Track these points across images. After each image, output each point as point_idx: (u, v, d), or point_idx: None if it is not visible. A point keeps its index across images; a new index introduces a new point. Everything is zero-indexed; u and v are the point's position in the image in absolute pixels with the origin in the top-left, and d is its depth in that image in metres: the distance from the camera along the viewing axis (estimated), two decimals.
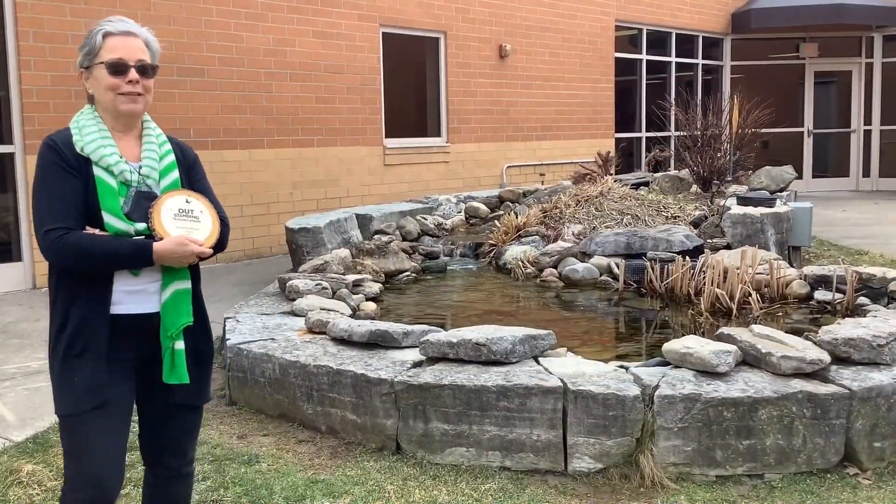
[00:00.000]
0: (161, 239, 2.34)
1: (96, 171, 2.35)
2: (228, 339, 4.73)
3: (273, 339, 4.66)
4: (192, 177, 2.55)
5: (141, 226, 2.35)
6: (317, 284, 5.70)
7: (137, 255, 2.32)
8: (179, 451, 2.60)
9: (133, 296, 2.39)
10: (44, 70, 7.80)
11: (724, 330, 4.14)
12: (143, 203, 2.38)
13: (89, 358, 2.33)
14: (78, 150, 2.36)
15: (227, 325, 5.05)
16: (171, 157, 2.50)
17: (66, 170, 2.33)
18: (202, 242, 2.40)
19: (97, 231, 2.32)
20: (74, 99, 7.86)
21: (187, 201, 2.42)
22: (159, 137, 2.53)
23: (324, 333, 4.66)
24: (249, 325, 4.97)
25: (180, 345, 2.43)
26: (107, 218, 2.33)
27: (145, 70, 2.44)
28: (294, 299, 5.51)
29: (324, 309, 5.14)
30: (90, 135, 2.39)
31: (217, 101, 9.18)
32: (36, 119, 7.75)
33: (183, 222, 2.39)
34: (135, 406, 2.54)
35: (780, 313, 5.64)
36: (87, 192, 2.34)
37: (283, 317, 5.21)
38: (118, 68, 2.39)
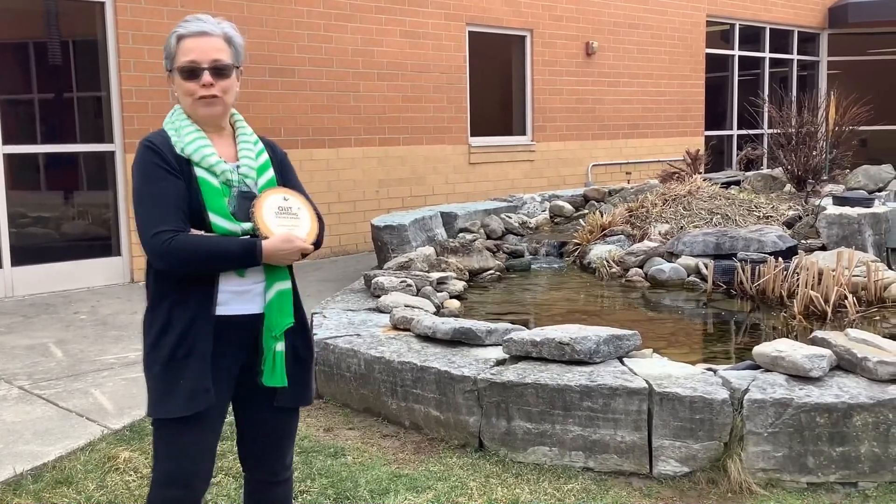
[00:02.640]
0: (266, 237, 2.30)
1: (198, 171, 2.31)
2: (315, 334, 4.82)
3: (358, 334, 4.73)
4: (284, 175, 2.50)
5: (247, 225, 2.32)
6: (401, 282, 5.76)
7: (246, 255, 2.28)
8: (278, 456, 2.54)
9: (239, 296, 2.36)
10: (142, 71, 8.09)
11: (818, 333, 4.02)
12: (244, 203, 2.34)
13: (195, 361, 2.29)
14: (178, 150, 2.31)
15: (315, 320, 5.15)
16: (265, 156, 2.47)
17: (168, 171, 2.28)
18: (304, 239, 2.36)
19: (202, 232, 2.29)
20: (172, 99, 8.10)
21: (285, 199, 2.38)
22: (252, 136, 2.49)
23: (408, 330, 4.71)
24: (336, 321, 5.06)
25: (281, 346, 2.38)
26: (213, 219, 2.29)
27: (221, 70, 2.34)
28: (379, 296, 5.57)
29: (408, 306, 5.19)
30: (189, 135, 2.34)
31: (307, 101, 9.37)
32: (135, 119, 8.04)
33: (284, 220, 2.35)
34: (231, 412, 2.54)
35: (878, 317, 5.44)
36: (190, 193, 2.29)
37: (369, 313, 5.28)
38: (191, 72, 2.32)
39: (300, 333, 2.48)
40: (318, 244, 2.43)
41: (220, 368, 2.35)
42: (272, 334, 2.36)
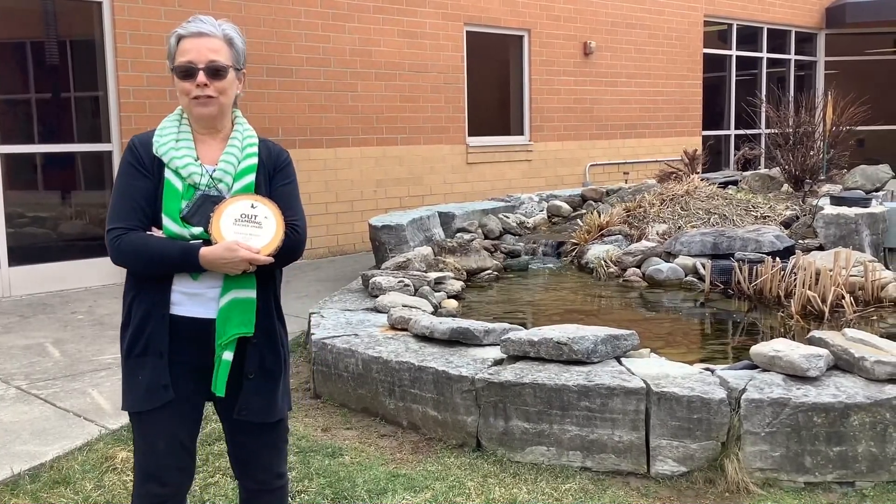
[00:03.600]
0: (216, 243, 2.25)
1: (167, 173, 2.33)
2: (313, 334, 4.82)
3: (356, 334, 4.73)
4: (275, 181, 2.44)
5: (197, 230, 2.29)
6: (399, 281, 5.76)
7: (185, 260, 2.27)
8: (263, 467, 2.52)
9: (192, 298, 2.35)
10: (140, 71, 8.08)
11: (816, 333, 4.02)
12: (208, 206, 2.31)
13: (151, 357, 2.33)
14: (153, 151, 2.35)
15: (312, 320, 5.15)
16: (252, 161, 2.40)
17: (139, 170, 2.33)
18: (258, 250, 2.27)
19: (160, 233, 2.30)
20: (169, 99, 8.13)
21: (252, 206, 2.30)
22: (246, 140, 2.44)
23: (406, 330, 4.71)
24: (333, 321, 5.06)
25: (228, 356, 2.34)
26: (165, 221, 2.30)
27: (217, 71, 2.34)
28: (377, 296, 5.57)
29: (406, 306, 5.19)
30: (166, 136, 2.37)
31: (304, 101, 9.36)
32: (133, 118, 8.03)
33: (243, 227, 2.28)
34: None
35: (875, 317, 5.45)
36: (157, 194, 2.32)
37: (367, 313, 5.28)
38: (187, 72, 2.33)
39: (268, 346, 2.43)
40: (288, 256, 2.36)
41: (181, 364, 2.36)
42: (218, 342, 2.33)
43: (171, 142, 2.36)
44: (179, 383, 2.36)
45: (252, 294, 2.36)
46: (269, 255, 2.29)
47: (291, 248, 2.36)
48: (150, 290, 2.34)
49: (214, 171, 2.36)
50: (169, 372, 2.34)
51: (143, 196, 2.32)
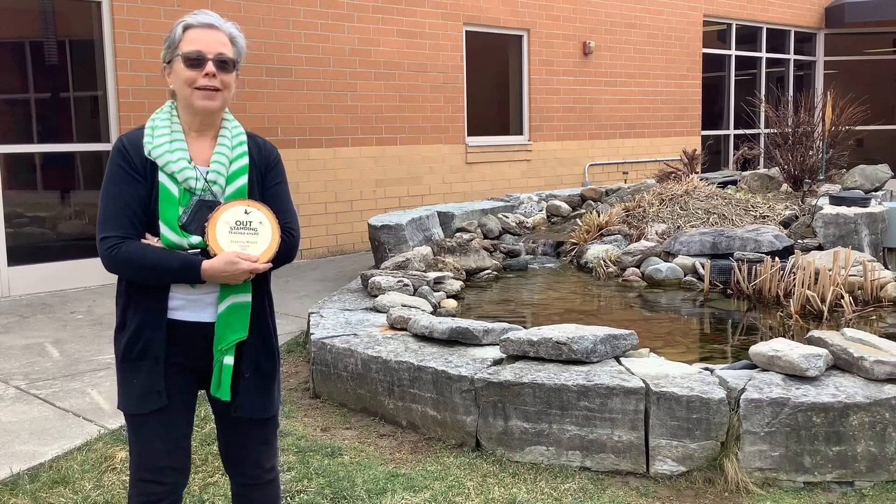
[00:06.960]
0: (215, 254, 2.23)
1: (161, 177, 2.27)
2: (313, 334, 4.82)
3: (355, 334, 4.73)
4: (267, 180, 2.42)
5: (195, 239, 2.26)
6: (398, 281, 5.76)
7: (186, 273, 2.25)
8: (254, 462, 2.52)
9: (191, 303, 2.33)
10: (139, 70, 8.08)
11: (815, 333, 4.02)
12: (205, 213, 2.28)
13: (147, 362, 2.31)
14: (146, 153, 2.29)
15: (312, 319, 5.15)
16: (243, 161, 2.37)
17: (131, 175, 2.27)
18: (256, 258, 2.26)
19: (156, 240, 2.26)
20: (168, 95, 8.12)
21: (246, 212, 2.28)
22: (235, 138, 2.40)
23: (405, 330, 4.71)
24: (333, 321, 5.06)
25: (229, 360, 2.34)
26: (163, 230, 2.26)
27: (224, 64, 2.31)
28: (376, 296, 5.57)
29: (405, 305, 5.19)
30: (160, 137, 2.31)
31: (303, 101, 9.36)
32: (132, 118, 8.03)
33: (239, 236, 2.26)
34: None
35: (874, 317, 5.45)
36: (152, 198, 2.27)
37: (366, 313, 5.28)
38: (195, 61, 2.29)
39: (263, 347, 2.44)
40: (284, 259, 2.36)
41: (176, 365, 2.35)
42: (218, 347, 2.33)
43: (166, 143, 2.30)
44: (174, 383, 2.36)
45: (248, 298, 2.36)
46: (267, 261, 2.30)
47: (287, 252, 2.38)
48: (147, 296, 2.31)
49: (208, 173, 2.32)
50: (164, 374, 2.33)
51: (136, 202, 2.26)
